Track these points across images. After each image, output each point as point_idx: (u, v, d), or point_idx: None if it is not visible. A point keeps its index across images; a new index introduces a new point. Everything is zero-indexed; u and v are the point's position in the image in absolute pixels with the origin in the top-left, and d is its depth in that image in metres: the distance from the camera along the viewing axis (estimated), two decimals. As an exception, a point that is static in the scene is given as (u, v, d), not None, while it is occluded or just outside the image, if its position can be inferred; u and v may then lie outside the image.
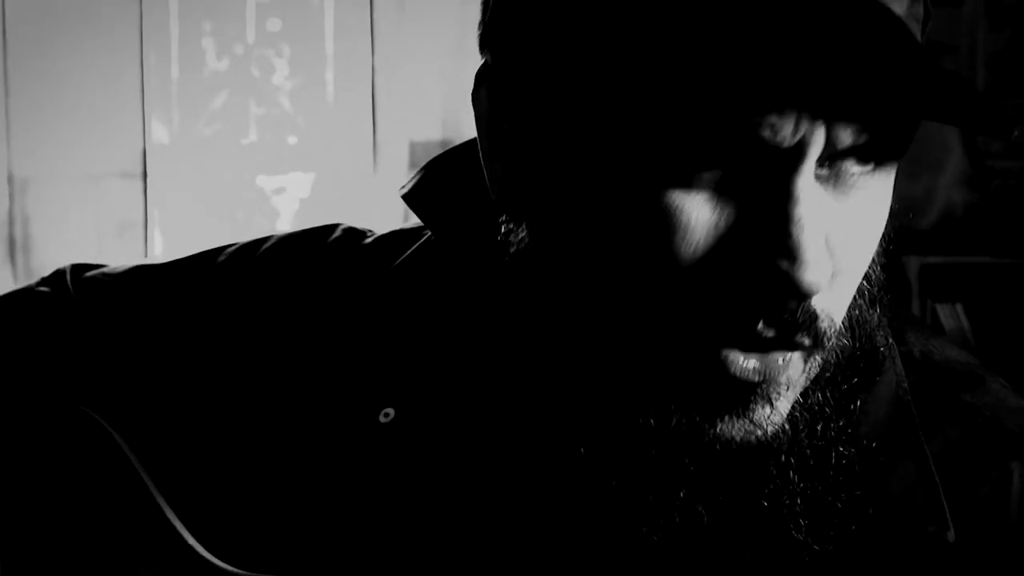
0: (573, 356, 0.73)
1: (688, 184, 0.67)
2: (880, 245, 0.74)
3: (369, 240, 0.92)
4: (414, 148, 2.78)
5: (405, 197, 0.84)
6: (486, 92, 0.76)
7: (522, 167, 0.74)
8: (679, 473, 0.71)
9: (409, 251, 0.88)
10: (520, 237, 0.75)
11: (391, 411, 0.81)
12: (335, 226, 0.94)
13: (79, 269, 0.96)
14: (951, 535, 0.76)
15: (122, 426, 0.87)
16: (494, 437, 0.78)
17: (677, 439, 0.71)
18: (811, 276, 0.66)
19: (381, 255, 0.89)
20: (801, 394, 0.72)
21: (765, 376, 0.69)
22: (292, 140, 2.77)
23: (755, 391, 0.70)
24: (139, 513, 0.85)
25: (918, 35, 0.70)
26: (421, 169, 0.85)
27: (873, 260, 0.74)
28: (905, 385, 0.80)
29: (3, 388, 0.91)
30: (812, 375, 0.72)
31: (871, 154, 0.69)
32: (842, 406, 0.75)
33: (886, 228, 0.74)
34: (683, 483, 0.72)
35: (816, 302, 0.69)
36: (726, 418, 0.70)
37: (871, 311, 0.75)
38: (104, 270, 0.96)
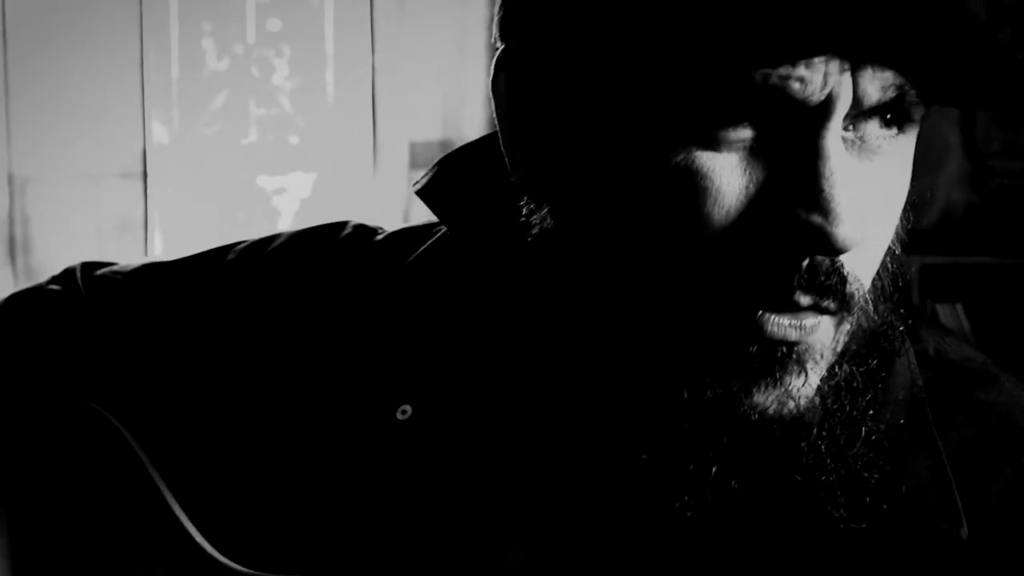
0: (604, 334, 0.73)
1: (717, 148, 0.67)
2: (901, 215, 0.74)
3: (380, 237, 0.91)
4: (414, 148, 2.78)
5: (419, 193, 0.84)
6: (506, 78, 0.76)
7: (545, 149, 0.75)
8: (713, 447, 0.71)
9: (423, 247, 0.88)
10: (543, 220, 0.75)
11: (408, 408, 0.80)
12: (345, 223, 0.93)
13: (89, 267, 0.96)
14: (964, 532, 0.76)
15: (132, 423, 0.86)
16: (513, 431, 0.78)
17: (712, 411, 0.71)
18: (845, 230, 0.66)
19: (394, 252, 0.89)
20: (828, 369, 0.72)
21: (800, 336, 0.69)
22: (292, 140, 2.77)
23: (789, 355, 0.70)
24: (148, 511, 0.85)
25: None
26: (435, 165, 0.85)
27: (896, 231, 0.74)
28: (920, 383, 0.80)
29: (15, 385, 0.91)
30: (840, 346, 0.72)
31: (895, 116, 0.69)
32: (869, 381, 0.74)
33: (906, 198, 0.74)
34: (717, 457, 0.71)
35: (847, 264, 0.69)
36: (761, 387, 0.70)
37: (893, 286, 0.75)
38: (114, 268, 0.96)
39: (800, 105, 0.66)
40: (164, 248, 2.60)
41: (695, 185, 0.68)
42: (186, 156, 2.66)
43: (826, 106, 0.66)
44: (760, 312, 0.69)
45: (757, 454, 0.72)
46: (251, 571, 0.81)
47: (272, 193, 2.77)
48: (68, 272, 0.96)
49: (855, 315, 0.71)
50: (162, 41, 2.61)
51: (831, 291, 0.69)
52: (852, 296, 0.70)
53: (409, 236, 0.90)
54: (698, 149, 0.68)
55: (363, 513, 0.79)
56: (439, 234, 0.88)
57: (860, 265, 0.70)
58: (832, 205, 0.66)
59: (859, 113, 0.68)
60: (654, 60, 0.67)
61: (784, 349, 0.69)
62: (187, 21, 2.65)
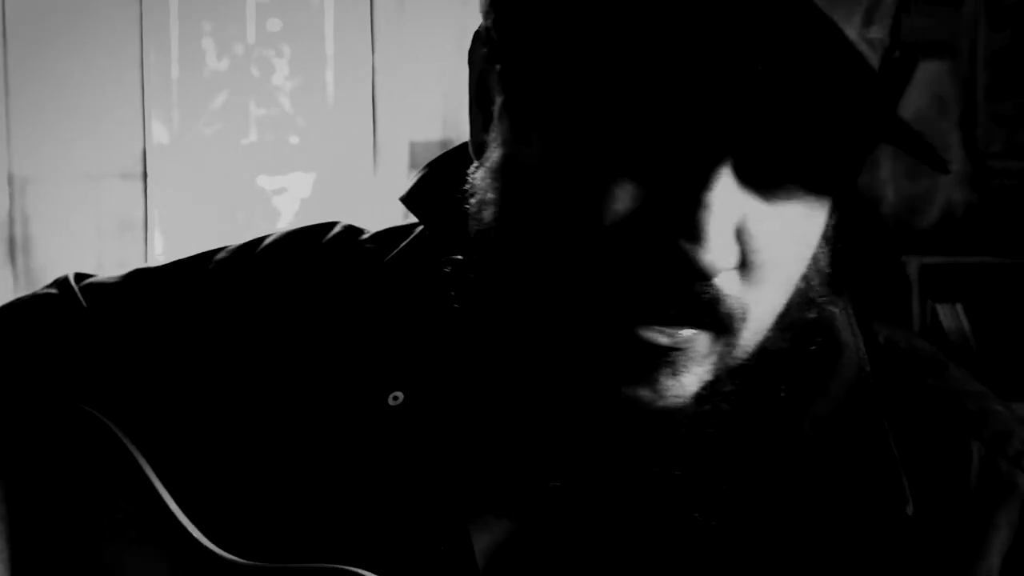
0: (526, 326, 0.77)
1: (623, 158, 0.72)
2: (819, 251, 0.78)
3: (366, 236, 0.94)
4: (414, 148, 2.78)
5: (403, 199, 0.88)
6: (482, 51, 0.80)
7: (497, 125, 0.79)
8: (585, 430, 0.76)
9: (404, 243, 0.91)
10: (487, 198, 0.79)
11: (400, 394, 0.83)
12: (334, 223, 0.96)
13: (81, 276, 0.98)
14: (910, 509, 0.79)
15: (126, 423, 0.87)
16: (496, 414, 0.81)
17: (588, 399, 0.75)
18: (708, 258, 0.70)
19: (378, 249, 0.92)
20: (715, 378, 0.76)
21: (671, 342, 0.73)
22: (292, 140, 2.77)
23: (661, 359, 0.74)
24: (144, 508, 0.85)
25: (874, 61, 0.74)
26: (421, 170, 0.88)
27: (811, 264, 0.78)
28: (868, 369, 0.83)
29: (14, 390, 0.92)
30: (727, 361, 0.76)
31: (803, 169, 0.73)
32: (763, 397, 0.78)
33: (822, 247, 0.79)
34: (587, 439, 0.76)
35: (724, 287, 0.73)
36: (633, 384, 0.74)
37: (806, 311, 0.79)
38: (104, 277, 0.98)
39: (698, 136, 0.71)
40: (164, 248, 2.60)
41: (596, 187, 0.72)
42: (186, 156, 2.66)
43: (721, 143, 0.70)
44: (637, 322, 0.73)
45: (625, 445, 0.76)
46: (246, 561, 0.82)
47: (272, 193, 2.76)
48: (62, 280, 0.97)
49: (739, 331, 0.75)
50: (162, 41, 2.61)
51: (703, 307, 0.73)
52: (730, 314, 0.74)
53: (393, 234, 0.93)
54: (608, 154, 0.72)
55: (357, 497, 0.82)
56: (417, 232, 0.91)
57: (750, 291, 0.74)
58: (701, 233, 0.70)
59: (764, 158, 0.72)
60: (579, 73, 0.72)
61: (654, 351, 0.74)
62: (187, 21, 2.65)
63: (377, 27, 2.76)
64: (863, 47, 0.72)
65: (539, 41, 0.75)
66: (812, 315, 0.80)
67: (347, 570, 0.79)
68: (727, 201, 0.71)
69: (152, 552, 0.84)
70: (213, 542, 0.84)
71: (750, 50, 0.68)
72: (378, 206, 2.75)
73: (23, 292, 2.36)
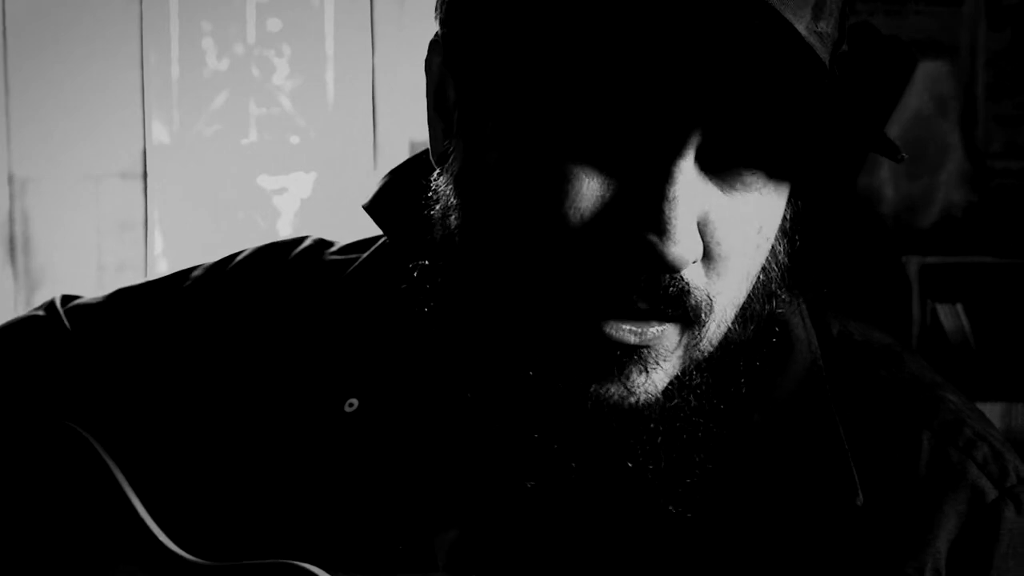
0: (489, 325, 0.78)
1: (583, 156, 0.72)
2: (777, 244, 0.79)
3: (334, 248, 0.96)
4: (414, 148, 2.78)
5: (366, 207, 0.89)
6: (437, 60, 0.82)
7: (457, 132, 0.79)
8: (556, 429, 0.76)
9: (366, 254, 0.93)
10: (447, 201, 0.80)
11: (355, 401, 0.85)
12: (304, 238, 0.98)
13: (68, 299, 1.01)
14: (860, 499, 0.80)
15: (104, 436, 0.90)
16: (448, 418, 0.82)
17: (557, 399, 0.75)
18: (676, 250, 0.71)
19: (344, 261, 0.94)
20: (683, 372, 0.77)
21: (639, 340, 0.74)
22: (293, 140, 2.77)
23: (631, 357, 0.75)
24: (116, 516, 0.88)
25: (824, 54, 0.74)
26: (383, 178, 0.90)
27: (770, 257, 0.79)
28: (820, 362, 0.84)
29: (1, 410, 0.94)
30: (693, 354, 0.77)
31: (760, 162, 0.74)
32: (725, 388, 0.79)
33: (789, 236, 0.80)
34: (558, 439, 0.76)
35: (691, 279, 0.74)
36: (603, 382, 0.75)
37: (766, 303, 0.80)
38: (89, 299, 1.00)
39: (659, 131, 0.71)
40: (164, 248, 2.60)
41: (559, 186, 0.72)
42: (186, 156, 2.66)
43: (682, 138, 0.71)
44: (604, 318, 0.73)
45: (597, 440, 0.76)
46: (205, 561, 0.84)
47: (272, 193, 2.76)
48: (48, 304, 1.00)
49: (706, 322, 0.76)
50: (162, 41, 2.61)
51: (671, 300, 0.73)
52: (698, 306, 0.75)
53: (358, 246, 0.95)
54: (567, 154, 0.72)
55: (316, 500, 0.84)
56: (382, 241, 0.93)
57: (714, 283, 0.75)
58: (666, 227, 0.71)
59: (722, 148, 0.72)
60: (537, 74, 0.73)
61: (624, 349, 0.74)
62: (187, 21, 2.65)
63: (377, 27, 2.76)
64: (813, 40, 0.73)
65: (494, 43, 0.75)
66: (772, 307, 0.81)
67: (298, 566, 0.80)
68: (690, 193, 0.72)
69: (121, 555, 0.87)
70: (184, 548, 0.86)
71: (702, 43, 0.68)
72: (378, 206, 2.75)
73: (23, 292, 2.36)
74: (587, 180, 0.72)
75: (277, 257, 0.96)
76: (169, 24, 2.62)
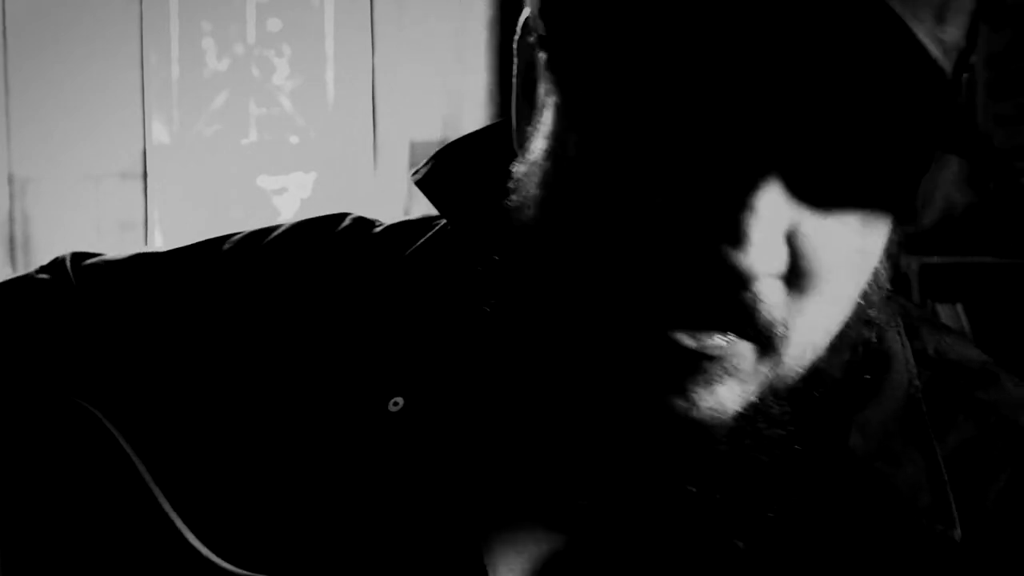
0: (552, 327, 0.74)
1: (671, 158, 0.68)
2: (880, 267, 0.74)
3: (379, 229, 0.91)
4: (414, 148, 2.77)
5: (419, 183, 0.84)
6: (528, 40, 0.77)
7: (542, 117, 0.75)
8: (615, 440, 0.73)
9: (422, 240, 0.88)
10: (532, 197, 0.75)
11: (400, 400, 0.81)
12: (344, 215, 0.93)
13: (79, 257, 0.95)
14: (957, 534, 0.75)
15: (121, 420, 0.86)
16: (500, 423, 0.78)
17: (619, 407, 0.72)
18: (749, 260, 0.67)
19: (392, 244, 0.89)
20: (760, 398, 0.72)
21: (702, 349, 0.70)
22: (292, 140, 2.77)
23: (693, 367, 0.71)
24: (139, 511, 0.84)
25: (946, 65, 0.68)
26: (433, 157, 0.85)
27: (872, 281, 0.74)
28: (917, 383, 0.79)
29: (2, 381, 0.90)
30: (773, 380, 0.72)
31: (860, 191, 0.70)
32: (812, 421, 0.74)
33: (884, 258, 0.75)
34: (616, 451, 0.73)
35: (766, 294, 0.70)
36: (664, 391, 0.71)
37: (864, 331, 0.75)
38: (104, 258, 0.95)
39: (752, 140, 0.67)
40: (164, 248, 2.60)
41: (643, 188, 0.69)
42: (186, 156, 2.66)
43: (772, 147, 0.67)
44: (669, 323, 0.70)
45: (658, 458, 0.72)
46: (242, 571, 0.81)
47: (272, 193, 2.77)
48: (57, 262, 0.95)
49: (782, 344, 0.71)
50: (162, 41, 2.62)
51: (741, 314, 0.69)
52: (770, 324, 0.70)
53: (408, 229, 0.90)
54: (657, 156, 0.69)
55: (355, 506, 0.80)
56: (438, 227, 0.88)
57: (797, 297, 0.71)
58: (744, 235, 0.67)
59: (821, 171, 0.69)
60: (630, 82, 0.69)
61: (687, 357, 0.70)
62: (187, 21, 2.65)
63: (377, 27, 2.76)
64: (933, 48, 0.66)
65: (589, 32, 0.71)
66: (869, 336, 0.76)
67: None
68: (776, 206, 0.67)
69: (143, 554, 0.83)
70: (208, 547, 0.82)
71: (809, 49, 0.64)
72: (378, 206, 2.75)
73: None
74: (670, 180, 0.68)
75: (321, 234, 0.91)
76: (169, 24, 2.62)
